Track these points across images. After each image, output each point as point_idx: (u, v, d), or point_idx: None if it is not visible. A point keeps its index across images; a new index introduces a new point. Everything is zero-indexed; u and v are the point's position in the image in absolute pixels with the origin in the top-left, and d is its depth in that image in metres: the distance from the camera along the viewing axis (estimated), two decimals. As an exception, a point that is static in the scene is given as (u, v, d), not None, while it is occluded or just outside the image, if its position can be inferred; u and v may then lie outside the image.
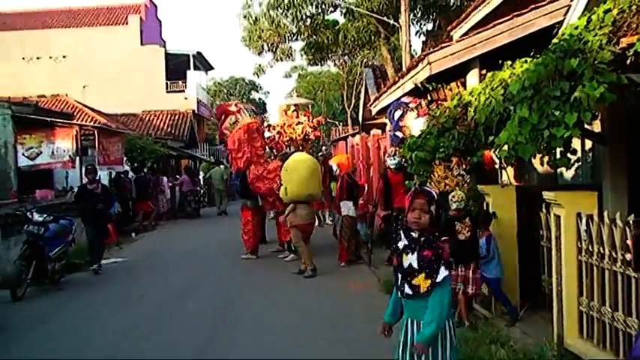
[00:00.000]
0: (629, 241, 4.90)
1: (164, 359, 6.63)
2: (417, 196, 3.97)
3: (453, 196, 7.40)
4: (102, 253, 12.35)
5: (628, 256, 4.91)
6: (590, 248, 5.52)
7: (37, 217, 10.24)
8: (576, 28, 5.33)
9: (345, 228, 11.99)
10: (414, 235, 3.94)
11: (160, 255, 14.45)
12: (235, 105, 14.07)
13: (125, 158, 20.79)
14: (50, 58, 35.31)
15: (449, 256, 4.01)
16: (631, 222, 4.89)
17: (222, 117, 13.52)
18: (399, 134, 13.04)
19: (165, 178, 23.41)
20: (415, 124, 12.30)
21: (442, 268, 3.83)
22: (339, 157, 14.45)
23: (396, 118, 13.12)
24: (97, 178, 12.37)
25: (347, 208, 11.97)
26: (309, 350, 6.69)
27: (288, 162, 11.75)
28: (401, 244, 4.01)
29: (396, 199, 11.66)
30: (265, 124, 18.66)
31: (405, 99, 12.82)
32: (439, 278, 3.81)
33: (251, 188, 12.97)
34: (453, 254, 7.04)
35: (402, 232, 4.05)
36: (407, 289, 3.90)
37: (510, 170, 9.20)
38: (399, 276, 3.97)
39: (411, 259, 3.91)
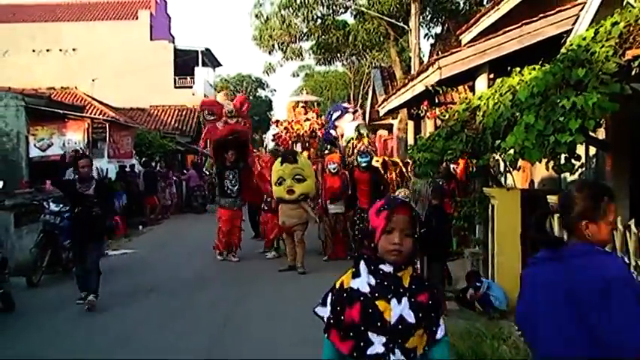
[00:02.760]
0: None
1: (178, 347, 6.87)
2: (399, 209, 2.51)
3: (399, 194, 7.67)
4: (99, 279, 8.51)
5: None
6: (591, 250, 5.72)
7: (53, 207, 10.50)
8: (584, 39, 5.55)
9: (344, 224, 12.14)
10: (386, 269, 2.51)
11: (168, 247, 14.69)
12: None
13: (134, 152, 21.08)
14: (60, 50, 35.61)
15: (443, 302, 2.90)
16: (632, 226, 5.11)
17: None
18: (333, 132, 13.45)
19: (171, 172, 23.62)
20: (347, 126, 12.72)
21: (441, 320, 2.55)
22: (334, 155, 14.40)
23: (333, 118, 13.58)
24: (91, 175, 9.22)
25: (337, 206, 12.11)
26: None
27: (303, 159, 11.85)
28: (363, 285, 2.53)
29: (361, 199, 11.62)
30: (273, 119, 18.84)
31: (345, 104, 13.33)
32: (439, 334, 2.52)
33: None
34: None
35: (363, 263, 2.58)
36: (398, 356, 2.42)
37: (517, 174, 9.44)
38: (378, 339, 2.44)
39: (401, 310, 2.46)
